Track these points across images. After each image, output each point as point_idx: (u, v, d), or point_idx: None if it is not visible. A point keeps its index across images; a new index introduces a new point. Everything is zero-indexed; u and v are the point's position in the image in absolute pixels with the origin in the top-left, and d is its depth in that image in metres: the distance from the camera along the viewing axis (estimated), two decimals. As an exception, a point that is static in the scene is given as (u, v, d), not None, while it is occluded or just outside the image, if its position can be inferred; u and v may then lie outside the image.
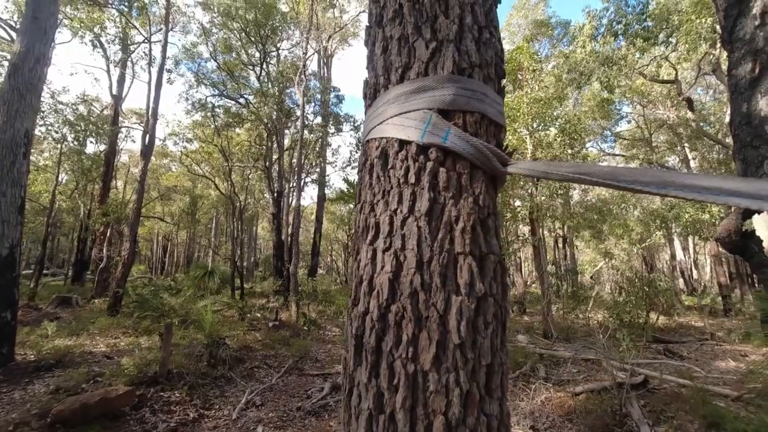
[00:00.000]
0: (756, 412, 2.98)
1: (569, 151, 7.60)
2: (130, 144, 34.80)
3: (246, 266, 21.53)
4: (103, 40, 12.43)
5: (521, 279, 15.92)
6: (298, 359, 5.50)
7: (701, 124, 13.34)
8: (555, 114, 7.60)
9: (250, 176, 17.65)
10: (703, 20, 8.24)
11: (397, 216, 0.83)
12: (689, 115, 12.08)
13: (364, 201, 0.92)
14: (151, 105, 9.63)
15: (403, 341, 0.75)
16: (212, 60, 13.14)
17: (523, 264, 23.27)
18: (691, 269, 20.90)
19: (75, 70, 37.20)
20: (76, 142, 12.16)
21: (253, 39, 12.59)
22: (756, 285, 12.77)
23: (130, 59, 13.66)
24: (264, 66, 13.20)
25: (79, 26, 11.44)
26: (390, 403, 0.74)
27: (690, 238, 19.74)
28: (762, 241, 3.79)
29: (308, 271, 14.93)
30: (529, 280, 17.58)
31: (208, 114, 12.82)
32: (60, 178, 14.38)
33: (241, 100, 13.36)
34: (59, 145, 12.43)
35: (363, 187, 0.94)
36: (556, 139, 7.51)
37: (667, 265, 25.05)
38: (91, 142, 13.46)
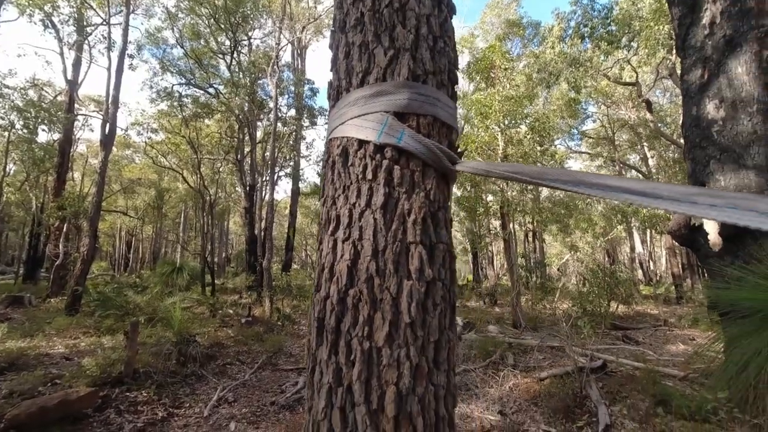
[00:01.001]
0: (699, 389, 3.26)
1: (538, 148, 7.89)
2: (88, 133, 32.67)
3: (217, 262, 20.92)
4: (55, 20, 11.53)
5: (493, 272, 16.39)
6: (272, 354, 5.45)
7: (659, 124, 14.18)
8: (525, 112, 7.85)
9: (221, 169, 17.08)
10: (661, 27, 8.74)
11: (356, 209, 0.92)
12: (648, 116, 12.82)
13: (327, 195, 1.00)
14: (111, 92, 9.05)
15: (359, 321, 0.84)
16: (179, 46, 12.50)
17: (495, 257, 23.98)
18: (648, 261, 22.29)
19: (23, 52, 34.37)
20: (25, 130, 11.28)
21: (222, 26, 12.08)
22: (704, 275, 13.84)
23: (86, 42, 12.76)
24: (235, 55, 12.72)
25: (27, 3, 10.56)
26: (347, 377, 0.82)
27: (648, 232, 21.04)
28: (708, 234, 4.12)
29: (282, 266, 14.71)
30: (501, 272, 18.15)
31: (175, 103, 12.20)
32: (8, 169, 13.33)
33: (211, 90, 12.79)
34: (6, 133, 11.51)
35: (326, 183, 1.02)
36: (526, 137, 7.77)
37: (627, 257, 26.58)
38: (44, 130, 12.50)
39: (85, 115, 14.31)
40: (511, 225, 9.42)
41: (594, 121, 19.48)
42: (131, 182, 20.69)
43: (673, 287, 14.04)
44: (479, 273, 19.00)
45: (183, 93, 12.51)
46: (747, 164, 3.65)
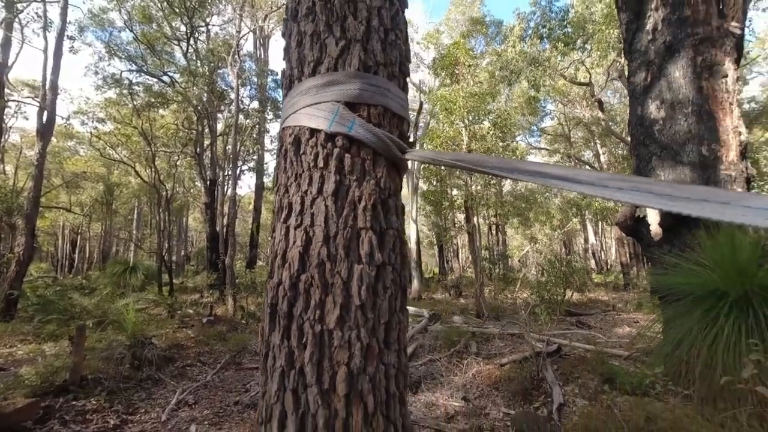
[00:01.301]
0: (640, 367, 3.55)
1: (500, 143, 8.17)
2: (23, 122, 29.64)
3: (176, 261, 19.88)
4: (-22, -6, 10.29)
5: (458, 264, 16.84)
6: (236, 354, 5.28)
7: (609, 123, 15.13)
8: (488, 108, 8.09)
9: (178, 163, 16.15)
10: (612, 31, 9.29)
11: (308, 196, 0.94)
12: (600, 115, 13.64)
13: (280, 183, 1.02)
14: (48, 77, 8.24)
15: (311, 306, 0.87)
16: (127, 30, 11.59)
17: (460, 250, 24.69)
18: (600, 251, 23.86)
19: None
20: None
21: (177, 10, 11.35)
22: (647, 263, 15.07)
23: (17, 20, 11.50)
24: (192, 42, 12.01)
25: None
26: (299, 359, 0.85)
27: (600, 224, 22.50)
28: (650, 225, 4.47)
29: (246, 263, 14.25)
30: (466, 265, 18.72)
31: (125, 91, 11.33)
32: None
33: (165, 78, 11.99)
34: None
35: (279, 171, 1.04)
36: (489, 132, 8.02)
37: (582, 248, 28.33)
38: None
39: (18, 101, 12.94)
40: (475, 218, 9.72)
41: (552, 119, 20.45)
42: (75, 176, 19.04)
43: (622, 275, 15.15)
44: (445, 266, 19.47)
45: (133, 80, 11.64)
46: (683, 161, 3.99)
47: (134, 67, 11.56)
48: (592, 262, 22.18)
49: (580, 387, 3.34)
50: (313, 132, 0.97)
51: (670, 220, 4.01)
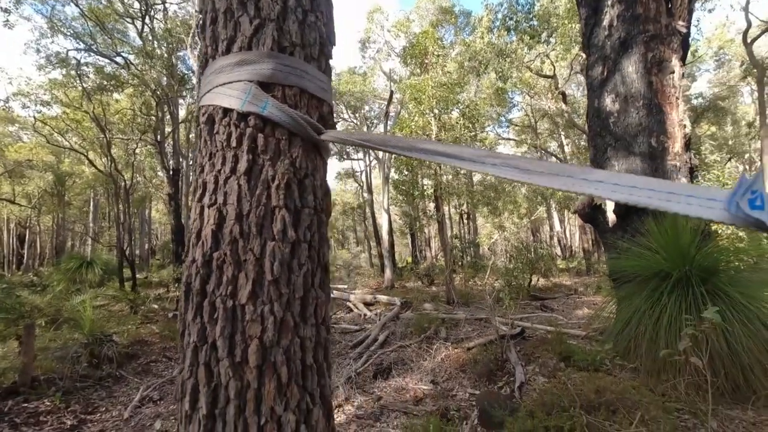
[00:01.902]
0: (595, 345, 3.81)
1: (469, 134, 8.33)
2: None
3: (139, 254, 18.94)
4: None
5: (430, 253, 17.14)
6: (203, 348, 5.15)
7: (572, 115, 15.76)
8: (457, 99, 8.19)
9: (136, 151, 15.25)
10: (574, 25, 9.61)
11: (221, 175, 0.95)
12: (563, 107, 14.17)
13: (197, 163, 1.03)
14: (-15, 56, 7.47)
15: (223, 282, 0.89)
16: (72, 4, 10.62)
17: (432, 239, 25.13)
18: (564, 238, 25.04)
19: None
20: None
21: (130, -14, 10.57)
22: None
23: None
24: (147, 21, 11.25)
25: None
26: (211, 334, 0.87)
27: (564, 212, 23.57)
28: (606, 212, 4.74)
29: (214, 255, 13.76)
30: (438, 253, 19.10)
31: (72, 72, 10.46)
32: None
33: (119, 59, 11.18)
34: None
35: (197, 151, 1.06)
36: (458, 122, 8.13)
37: (548, 235, 29.60)
38: None
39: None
40: (445, 208, 9.91)
41: (519, 110, 21.03)
42: (18, 164, 17.52)
43: (584, 260, 16.00)
44: (417, 255, 19.78)
45: (82, 60, 10.75)
46: (635, 152, 4.25)
47: (82, 46, 10.66)
48: (558, 248, 23.28)
49: (541, 366, 3.54)
50: (227, 111, 0.97)
51: (623, 207, 4.27)
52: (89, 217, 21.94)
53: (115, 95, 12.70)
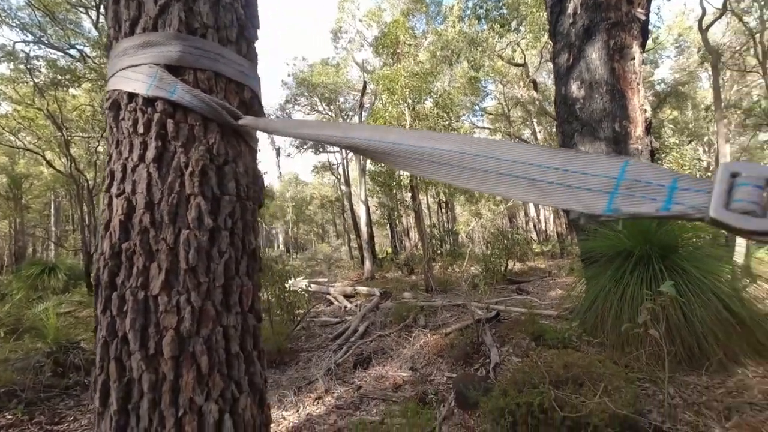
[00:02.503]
0: (565, 324, 3.97)
1: (443, 123, 8.37)
2: None
3: (106, 257, 18.09)
4: None
5: (409, 243, 17.27)
6: (179, 350, 5.02)
7: (544, 103, 16.11)
8: (430, 88, 8.20)
9: (99, 149, 14.48)
10: (543, 14, 9.76)
11: (129, 163, 0.92)
12: (535, 94, 14.45)
13: (106, 152, 1.01)
14: None
15: (133, 273, 0.86)
16: (19, -7, 9.86)
17: (411, 229, 25.31)
18: (539, 222, 25.79)
19: None
20: None
21: (81, -28, 9.88)
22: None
23: None
24: (103, 11, 10.56)
25: None
26: (121, 328, 0.85)
27: (537, 198, 24.15)
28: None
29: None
30: (417, 243, 19.29)
31: (21, 66, 9.74)
32: None
33: (73, 52, 10.49)
34: None
35: (106, 139, 1.04)
36: (432, 112, 8.16)
37: (524, 221, 30.41)
38: None
39: None
40: (422, 197, 9.97)
41: (493, 99, 21.29)
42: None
43: (558, 243, 16.55)
44: (397, 245, 19.90)
45: (31, 53, 10.00)
46: (600, 137, 4.39)
47: (30, 38, 9.91)
48: (534, 233, 23.95)
49: (514, 346, 3.65)
50: (132, 96, 0.93)
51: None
52: (51, 220, 20.77)
53: (72, 90, 11.94)
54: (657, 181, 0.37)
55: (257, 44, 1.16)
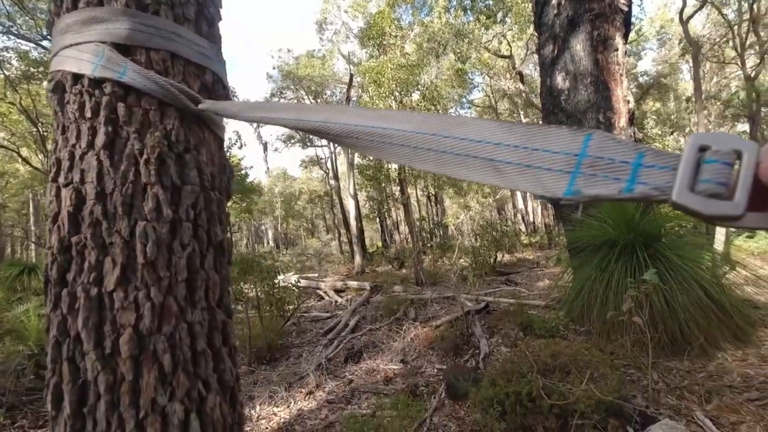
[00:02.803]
0: (553, 313, 4.03)
1: (430, 116, 8.32)
2: None
3: (89, 256, 17.66)
4: None
5: (399, 236, 17.30)
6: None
7: (531, 94, 16.22)
8: (417, 80, 8.15)
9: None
10: (528, 5, 9.77)
11: (77, 151, 0.85)
12: (521, 86, 14.52)
13: (53, 139, 0.94)
14: None
15: (85, 269, 0.81)
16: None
17: (401, 223, 25.37)
18: (528, 214, 26.13)
19: None
20: None
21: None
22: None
23: None
24: (78, 0, 10.12)
25: None
26: (74, 327, 0.80)
27: (524, 190, 24.42)
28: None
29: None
30: (407, 236, 19.35)
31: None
32: None
33: (46, 43, 10.05)
34: None
35: (51, 125, 0.98)
36: (419, 104, 8.12)
37: (512, 212, 30.77)
38: None
39: None
40: (411, 190, 9.97)
41: (480, 91, 21.34)
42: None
43: (546, 235, 16.81)
44: (387, 239, 19.94)
45: (0, 45, 9.55)
46: (585, 128, 4.45)
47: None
48: (522, 225, 24.25)
49: (503, 337, 3.70)
50: (77, 78, 0.86)
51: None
52: (30, 219, 20.12)
53: (47, 83, 11.50)
54: (621, 157, 0.33)
55: (222, 26, 1.09)
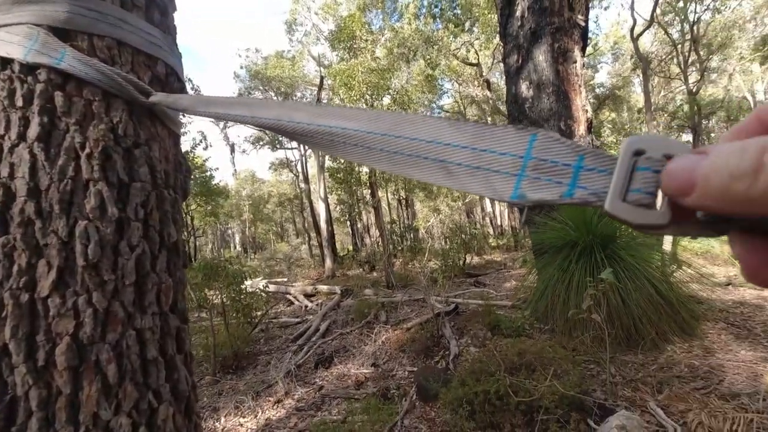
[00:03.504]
0: (519, 313, 4.17)
1: (401, 120, 8.41)
2: None
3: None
4: None
5: (370, 240, 17.29)
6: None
7: (497, 102, 16.81)
8: (388, 85, 8.22)
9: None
10: (495, 16, 10.14)
11: (5, 142, 0.78)
12: (488, 93, 15.02)
13: None
14: None
15: (14, 273, 0.74)
16: None
17: (372, 226, 25.37)
18: (495, 217, 26.94)
19: None
20: None
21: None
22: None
23: None
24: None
25: None
26: (1, 338, 0.73)
27: (492, 194, 25.19)
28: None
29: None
30: (378, 239, 19.37)
31: None
32: None
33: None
34: None
35: None
36: (390, 108, 8.19)
37: (480, 215, 31.62)
38: None
39: None
40: (381, 194, 10.01)
41: (449, 97, 21.87)
42: None
43: (512, 237, 17.40)
44: (358, 242, 19.87)
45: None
46: (547, 134, 4.66)
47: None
48: (490, 228, 24.98)
49: (472, 337, 3.78)
50: (6, 62, 0.79)
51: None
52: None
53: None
54: (563, 159, 0.33)
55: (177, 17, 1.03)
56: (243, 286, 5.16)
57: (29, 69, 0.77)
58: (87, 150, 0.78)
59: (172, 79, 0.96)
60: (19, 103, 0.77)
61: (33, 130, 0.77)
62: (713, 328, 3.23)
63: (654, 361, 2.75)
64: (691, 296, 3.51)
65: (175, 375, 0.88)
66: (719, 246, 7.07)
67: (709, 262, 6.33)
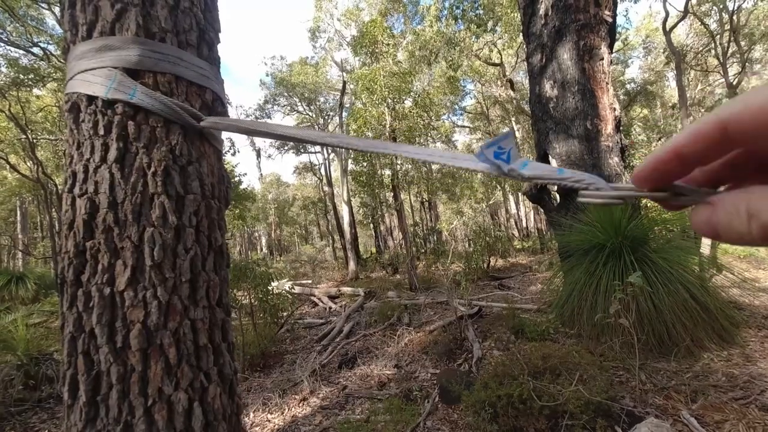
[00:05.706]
0: (544, 317, 4.09)
1: (422, 121, 8.45)
2: None
3: (78, 265, 17.37)
4: None
5: (392, 242, 17.32)
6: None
7: (521, 101, 16.47)
8: (409, 88, 8.26)
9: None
10: (518, 15, 9.98)
11: (91, 164, 0.95)
12: (512, 93, 14.76)
13: (67, 153, 1.03)
14: None
15: (99, 270, 0.90)
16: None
17: (394, 229, 25.38)
18: (521, 220, 26.33)
19: None
20: None
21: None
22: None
23: None
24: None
25: None
26: (88, 323, 0.88)
27: (519, 195, 24.74)
28: (552, 192, 5.04)
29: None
30: (401, 242, 19.36)
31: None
32: None
33: (36, 50, 10.00)
34: None
35: (66, 141, 1.05)
36: (411, 111, 8.22)
37: (505, 218, 30.98)
38: None
39: None
40: (404, 196, 10.03)
41: (472, 98, 21.61)
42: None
43: (538, 240, 16.95)
44: (381, 245, 19.94)
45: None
46: (573, 134, 4.53)
47: (-11, 35, 9.35)
48: (515, 230, 24.43)
49: (496, 341, 3.74)
50: (91, 99, 0.95)
51: (565, 187, 4.57)
52: (17, 227, 19.76)
53: (36, 91, 11.37)
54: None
55: (220, 47, 1.19)
56: (270, 288, 5.32)
57: (109, 104, 0.93)
58: (152, 169, 0.94)
59: (217, 104, 1.11)
60: (101, 132, 0.93)
61: (112, 154, 0.93)
62: (755, 336, 3.05)
63: (688, 368, 2.63)
64: (731, 302, 3.33)
65: (221, 360, 1.02)
66: (764, 250, 6.64)
67: (753, 266, 5.95)
